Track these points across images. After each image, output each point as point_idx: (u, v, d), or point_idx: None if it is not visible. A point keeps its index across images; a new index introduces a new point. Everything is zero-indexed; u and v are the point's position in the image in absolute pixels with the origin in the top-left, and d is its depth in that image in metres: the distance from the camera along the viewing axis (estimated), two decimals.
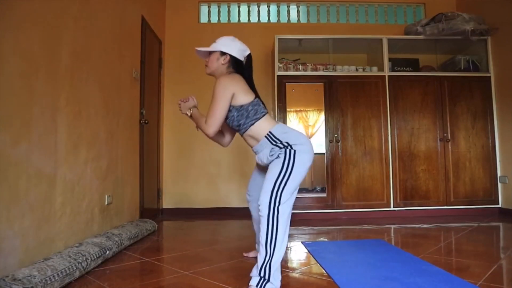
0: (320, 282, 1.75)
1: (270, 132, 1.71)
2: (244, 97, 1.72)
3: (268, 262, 1.57)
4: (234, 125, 1.79)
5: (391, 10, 4.59)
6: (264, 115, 1.77)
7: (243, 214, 3.92)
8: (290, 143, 1.67)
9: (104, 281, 1.77)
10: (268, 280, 1.57)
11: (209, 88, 4.29)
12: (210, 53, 1.87)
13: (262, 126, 1.74)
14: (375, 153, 3.75)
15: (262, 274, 1.57)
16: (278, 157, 1.67)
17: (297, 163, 1.64)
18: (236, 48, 1.86)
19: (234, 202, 4.13)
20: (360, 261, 2.04)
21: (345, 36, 4.01)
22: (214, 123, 1.70)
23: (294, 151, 1.65)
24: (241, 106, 1.72)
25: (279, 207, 1.59)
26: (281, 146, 1.68)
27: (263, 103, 1.84)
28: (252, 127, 1.74)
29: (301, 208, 3.58)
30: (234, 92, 1.70)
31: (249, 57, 1.92)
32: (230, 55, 1.84)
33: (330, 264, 1.98)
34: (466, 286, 1.61)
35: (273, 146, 1.70)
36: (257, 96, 1.81)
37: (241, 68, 1.88)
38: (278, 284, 1.60)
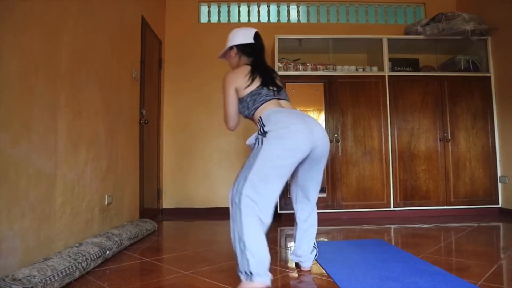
0: (320, 282, 1.75)
1: (259, 117, 1.64)
2: (244, 90, 1.70)
3: (245, 264, 1.45)
4: (244, 116, 1.78)
5: (391, 10, 4.59)
6: (262, 104, 1.67)
7: None
8: (266, 129, 1.56)
9: (104, 281, 1.77)
10: (251, 280, 1.45)
11: (208, 86, 4.29)
12: (226, 53, 1.91)
13: (259, 115, 1.67)
14: (375, 153, 3.75)
15: (243, 278, 1.47)
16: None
17: (262, 152, 1.51)
18: (239, 36, 1.84)
19: None
20: (360, 261, 2.04)
21: (345, 36, 4.01)
22: (228, 120, 1.78)
23: (263, 138, 1.54)
24: (242, 98, 1.72)
25: (241, 199, 1.46)
26: (261, 131, 1.58)
27: (275, 86, 1.75)
28: (253, 117, 1.72)
29: None
30: (236, 87, 1.71)
31: (257, 35, 1.86)
32: (236, 46, 1.84)
33: (330, 264, 1.98)
34: (466, 286, 1.61)
35: (258, 135, 1.61)
36: (266, 80, 1.72)
37: (254, 50, 1.83)
38: (264, 281, 1.46)
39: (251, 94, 1.69)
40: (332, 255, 2.18)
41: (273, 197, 1.53)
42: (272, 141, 1.54)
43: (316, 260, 2.05)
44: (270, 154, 1.52)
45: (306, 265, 1.92)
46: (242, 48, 1.83)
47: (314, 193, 1.87)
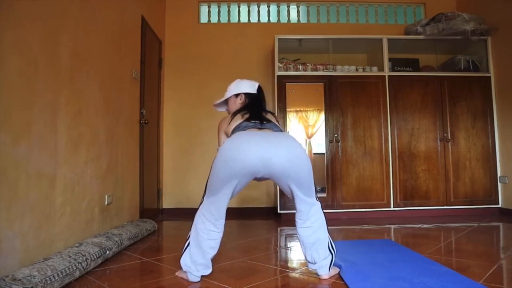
0: (321, 282, 1.74)
1: None
2: (229, 129, 1.81)
3: (185, 253, 1.76)
4: None
5: (391, 10, 4.59)
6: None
7: (242, 214, 3.93)
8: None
9: (104, 281, 1.77)
10: (185, 271, 1.76)
11: (208, 86, 4.27)
12: (229, 100, 2.02)
13: None
14: (375, 153, 3.75)
15: (180, 263, 1.76)
16: None
17: (211, 170, 1.69)
18: (245, 85, 1.98)
19: (233, 202, 4.11)
20: (368, 261, 2.01)
21: (345, 36, 4.01)
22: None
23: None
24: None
25: (199, 208, 1.77)
26: None
27: (262, 120, 1.81)
28: None
29: None
30: (225, 131, 1.86)
31: (260, 88, 2.01)
32: (244, 93, 1.97)
33: (338, 263, 1.92)
34: (476, 286, 1.60)
35: None
36: (252, 115, 1.82)
37: (257, 100, 1.96)
38: (194, 276, 1.73)
39: (233, 130, 1.78)
40: (340, 255, 2.13)
41: (224, 201, 1.69)
42: (214, 161, 1.66)
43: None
44: (213, 170, 1.66)
45: (321, 272, 1.76)
46: (249, 95, 1.96)
47: (301, 195, 1.74)
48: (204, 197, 1.76)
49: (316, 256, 1.75)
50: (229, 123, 1.82)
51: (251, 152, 1.57)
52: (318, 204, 1.79)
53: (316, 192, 1.81)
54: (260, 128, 1.76)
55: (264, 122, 1.80)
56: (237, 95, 1.97)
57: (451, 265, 1.95)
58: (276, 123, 1.86)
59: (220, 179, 1.62)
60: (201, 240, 1.73)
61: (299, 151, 1.65)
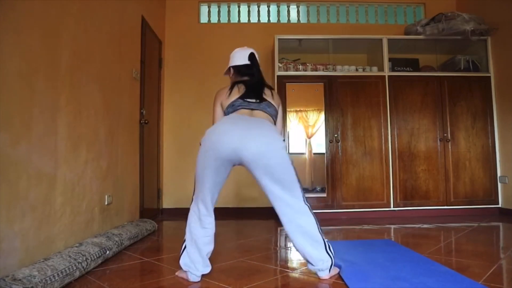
0: (321, 282, 1.74)
1: None
2: (225, 103, 1.84)
3: (183, 253, 1.79)
4: None
5: (391, 10, 4.59)
6: (230, 114, 1.80)
7: (242, 214, 3.93)
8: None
9: (104, 281, 1.77)
10: (182, 269, 1.79)
11: (208, 86, 4.29)
12: (227, 72, 2.05)
13: None
14: (375, 153, 3.75)
15: (180, 263, 1.79)
16: None
17: (196, 163, 1.76)
18: (235, 58, 1.96)
19: (233, 202, 4.13)
20: (368, 261, 2.01)
21: (345, 36, 4.01)
22: None
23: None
24: (225, 112, 1.85)
25: (191, 207, 1.86)
26: None
27: (257, 98, 1.82)
28: None
29: None
30: (220, 102, 1.86)
31: (252, 56, 1.94)
32: (233, 67, 1.97)
33: (338, 263, 1.91)
34: (475, 286, 1.60)
35: None
36: (247, 92, 1.82)
37: (249, 69, 1.92)
38: (194, 276, 1.74)
39: (228, 106, 1.82)
40: (340, 255, 2.13)
41: (206, 194, 1.79)
42: (200, 151, 1.75)
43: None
44: (198, 162, 1.79)
45: (321, 274, 1.74)
46: (238, 69, 1.95)
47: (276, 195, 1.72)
48: (193, 196, 1.87)
49: (315, 259, 1.72)
50: (228, 95, 1.84)
51: (224, 143, 1.65)
52: (306, 207, 1.74)
53: (304, 195, 1.75)
54: (252, 109, 1.80)
55: (258, 101, 1.82)
56: (229, 68, 2.00)
57: (451, 265, 1.95)
58: (271, 100, 1.87)
59: (203, 168, 1.74)
60: (195, 238, 1.78)
61: (275, 146, 1.67)
